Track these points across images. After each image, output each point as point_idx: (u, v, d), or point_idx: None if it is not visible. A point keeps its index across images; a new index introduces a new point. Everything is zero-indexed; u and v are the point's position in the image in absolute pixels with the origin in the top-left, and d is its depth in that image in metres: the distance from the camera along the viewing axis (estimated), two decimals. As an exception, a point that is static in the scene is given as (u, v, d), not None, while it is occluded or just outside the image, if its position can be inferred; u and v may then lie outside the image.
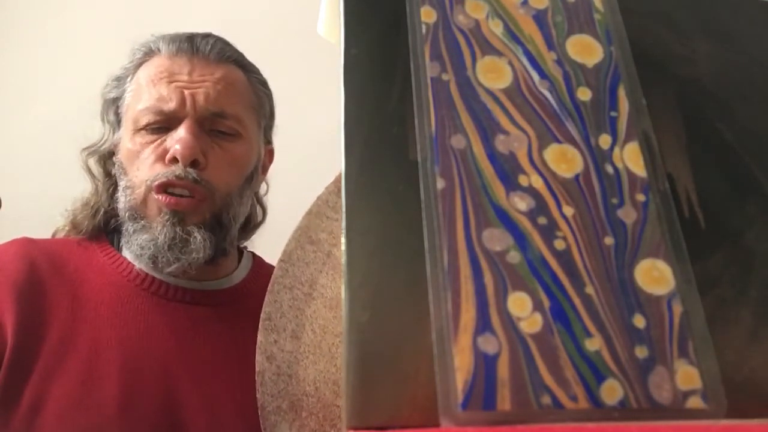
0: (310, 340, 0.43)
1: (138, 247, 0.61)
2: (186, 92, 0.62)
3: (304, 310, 0.44)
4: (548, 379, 0.23)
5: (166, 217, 0.60)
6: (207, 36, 0.66)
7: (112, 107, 0.67)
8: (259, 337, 0.44)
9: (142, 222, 0.61)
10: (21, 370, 0.55)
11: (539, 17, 0.32)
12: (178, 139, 0.60)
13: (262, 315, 0.45)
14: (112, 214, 0.67)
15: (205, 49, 0.64)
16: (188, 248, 0.60)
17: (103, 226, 0.67)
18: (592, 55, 0.31)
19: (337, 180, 0.47)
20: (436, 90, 0.29)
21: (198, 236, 0.60)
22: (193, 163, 0.60)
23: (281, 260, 0.46)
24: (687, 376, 0.23)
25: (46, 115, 1.29)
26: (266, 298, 0.45)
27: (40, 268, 0.61)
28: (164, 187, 0.60)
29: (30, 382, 0.55)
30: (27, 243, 0.64)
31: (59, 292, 0.60)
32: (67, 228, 0.68)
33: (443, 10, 0.31)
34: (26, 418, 0.54)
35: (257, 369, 0.43)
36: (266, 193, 0.76)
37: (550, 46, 0.31)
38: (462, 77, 0.29)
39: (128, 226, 0.63)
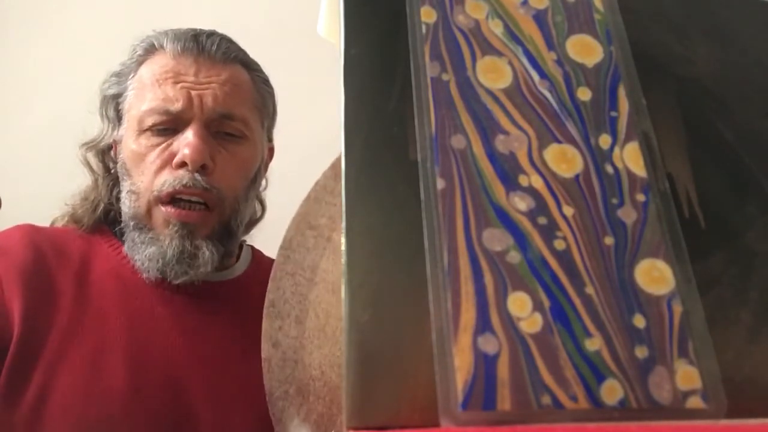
0: (314, 324, 0.43)
1: (146, 258, 0.60)
2: (193, 93, 0.61)
3: (307, 296, 0.44)
4: (548, 379, 0.23)
5: (175, 228, 0.59)
6: (212, 34, 0.65)
7: (112, 103, 0.66)
8: (264, 324, 0.44)
9: (149, 234, 0.61)
10: (28, 358, 0.55)
11: (539, 17, 0.32)
12: (186, 143, 0.59)
13: (266, 302, 0.45)
14: (111, 208, 0.67)
15: (210, 49, 0.63)
16: (196, 262, 0.60)
17: (103, 218, 0.67)
18: (592, 55, 0.31)
19: (334, 165, 0.47)
20: (436, 90, 0.29)
21: (206, 251, 0.60)
22: (201, 168, 0.60)
23: (282, 248, 0.46)
24: (687, 376, 0.23)
25: (46, 114, 1.29)
26: (269, 286, 0.45)
27: (46, 255, 0.60)
28: (172, 197, 0.60)
29: (36, 371, 0.55)
30: (31, 230, 0.63)
31: (65, 280, 0.59)
32: (66, 220, 0.68)
33: (443, 10, 0.31)
34: (32, 408, 0.54)
35: (263, 356, 0.43)
36: (265, 189, 0.76)
37: (550, 46, 0.31)
38: (462, 77, 0.29)
39: (134, 236, 0.62)
